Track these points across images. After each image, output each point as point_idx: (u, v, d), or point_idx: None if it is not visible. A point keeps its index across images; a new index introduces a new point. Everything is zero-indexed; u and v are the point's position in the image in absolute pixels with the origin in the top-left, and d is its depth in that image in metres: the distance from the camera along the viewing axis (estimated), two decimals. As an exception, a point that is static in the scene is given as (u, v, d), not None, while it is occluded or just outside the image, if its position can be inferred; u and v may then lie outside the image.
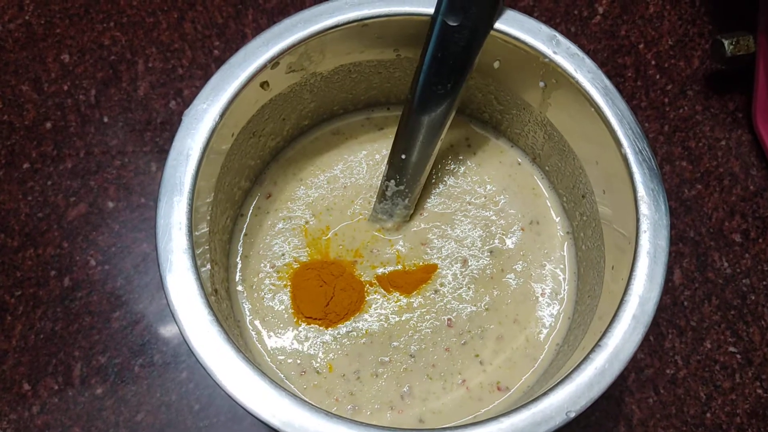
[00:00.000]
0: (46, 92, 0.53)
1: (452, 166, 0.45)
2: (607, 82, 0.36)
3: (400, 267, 0.42)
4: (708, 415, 0.46)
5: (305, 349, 0.40)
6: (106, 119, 0.52)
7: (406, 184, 0.41)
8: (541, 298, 0.42)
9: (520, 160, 0.45)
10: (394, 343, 0.40)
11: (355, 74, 0.42)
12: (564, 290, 0.42)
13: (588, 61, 0.36)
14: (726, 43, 0.50)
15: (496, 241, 0.43)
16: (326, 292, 0.41)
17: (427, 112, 0.37)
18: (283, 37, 0.36)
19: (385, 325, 0.41)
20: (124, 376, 0.46)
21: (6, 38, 0.54)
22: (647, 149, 0.35)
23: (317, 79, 0.41)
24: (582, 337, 0.36)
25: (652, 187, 0.34)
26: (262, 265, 0.42)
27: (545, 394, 0.31)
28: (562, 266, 0.43)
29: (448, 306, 0.41)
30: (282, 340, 0.41)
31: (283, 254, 0.43)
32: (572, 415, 0.30)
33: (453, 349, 0.40)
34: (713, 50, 0.51)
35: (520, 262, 0.42)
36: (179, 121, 0.35)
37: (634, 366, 0.47)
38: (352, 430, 0.30)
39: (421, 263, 0.42)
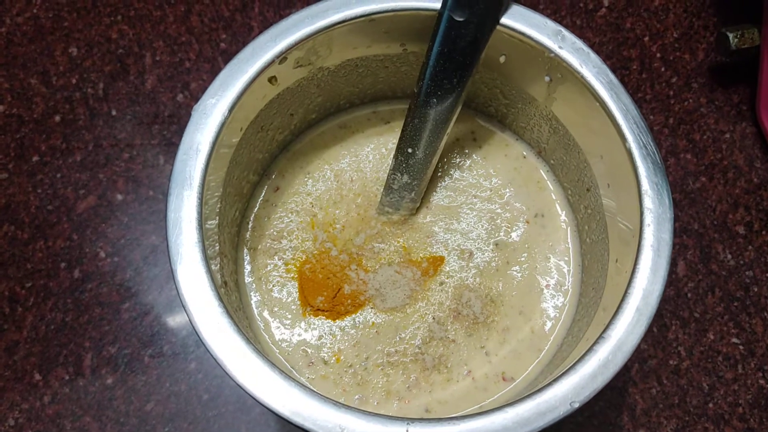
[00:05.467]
0: (54, 86, 0.53)
1: (458, 160, 0.45)
2: (612, 76, 0.36)
3: (406, 259, 0.43)
4: (710, 405, 0.46)
5: (313, 340, 0.41)
6: (114, 112, 0.52)
7: (413, 177, 0.41)
8: (545, 290, 0.42)
9: (525, 153, 0.46)
10: (401, 335, 0.41)
11: (362, 69, 0.42)
12: (568, 282, 0.42)
13: (593, 55, 0.37)
14: (731, 35, 0.50)
15: (502, 233, 0.43)
16: (333, 284, 0.42)
17: (433, 106, 0.37)
18: (290, 32, 0.37)
19: (392, 317, 0.41)
20: (134, 367, 0.47)
21: (14, 32, 0.54)
22: (651, 143, 0.35)
23: (324, 74, 0.41)
24: (586, 328, 0.36)
25: (656, 181, 0.34)
26: (270, 257, 0.43)
27: (550, 384, 0.31)
28: (566, 259, 0.43)
29: (453, 298, 0.42)
30: (290, 331, 0.41)
31: (290, 247, 0.43)
32: (576, 405, 0.31)
33: (459, 341, 0.41)
34: (718, 43, 0.51)
35: (525, 255, 0.43)
36: (187, 114, 0.36)
37: (637, 357, 0.47)
38: (360, 419, 0.30)
39: (427, 255, 0.43)
